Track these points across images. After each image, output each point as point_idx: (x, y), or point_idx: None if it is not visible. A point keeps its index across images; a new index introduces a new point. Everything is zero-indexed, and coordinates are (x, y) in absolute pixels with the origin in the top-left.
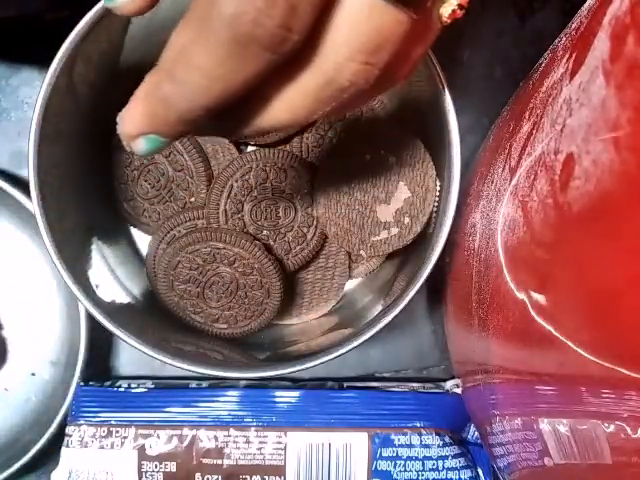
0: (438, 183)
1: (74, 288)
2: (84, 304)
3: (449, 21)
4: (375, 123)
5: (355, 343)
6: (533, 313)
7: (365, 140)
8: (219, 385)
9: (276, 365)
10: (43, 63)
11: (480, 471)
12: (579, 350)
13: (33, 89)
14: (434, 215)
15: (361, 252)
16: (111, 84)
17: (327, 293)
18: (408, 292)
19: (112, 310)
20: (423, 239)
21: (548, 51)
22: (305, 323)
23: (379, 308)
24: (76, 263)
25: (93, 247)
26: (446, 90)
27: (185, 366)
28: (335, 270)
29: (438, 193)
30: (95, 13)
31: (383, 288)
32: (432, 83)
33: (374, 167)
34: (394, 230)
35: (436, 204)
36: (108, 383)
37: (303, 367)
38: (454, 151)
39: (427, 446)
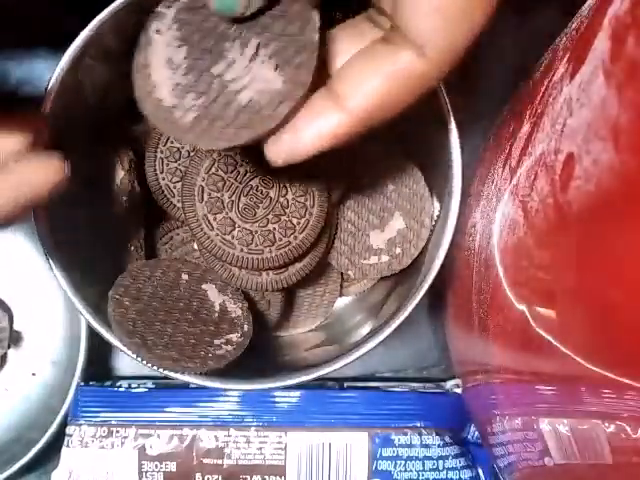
0: (435, 218)
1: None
2: (73, 299)
3: None
4: (375, 148)
5: (336, 365)
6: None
7: (364, 163)
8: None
9: (262, 379)
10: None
11: (480, 471)
12: (578, 357)
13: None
14: (428, 246)
15: (349, 272)
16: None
17: (316, 309)
18: (397, 317)
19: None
20: (416, 265)
21: (548, 51)
22: (291, 336)
23: (367, 329)
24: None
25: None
26: (444, 92)
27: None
28: (326, 287)
29: (432, 229)
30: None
31: (373, 309)
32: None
33: (371, 192)
34: (384, 257)
35: (430, 238)
36: (108, 383)
37: (284, 383)
38: (455, 170)
39: (427, 446)
